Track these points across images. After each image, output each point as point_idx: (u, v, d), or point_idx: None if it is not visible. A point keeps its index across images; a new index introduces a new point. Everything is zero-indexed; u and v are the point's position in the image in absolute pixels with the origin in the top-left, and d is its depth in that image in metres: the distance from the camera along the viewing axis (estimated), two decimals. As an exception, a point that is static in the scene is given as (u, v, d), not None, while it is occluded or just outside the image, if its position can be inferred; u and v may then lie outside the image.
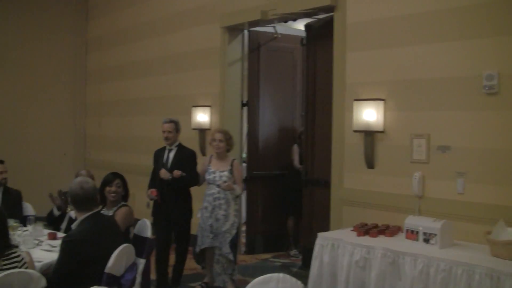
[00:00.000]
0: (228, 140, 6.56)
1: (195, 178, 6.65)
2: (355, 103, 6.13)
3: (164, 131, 6.70)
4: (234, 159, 6.63)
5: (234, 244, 6.50)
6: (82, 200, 4.28)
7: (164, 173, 6.45)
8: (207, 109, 8.43)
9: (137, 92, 10.23)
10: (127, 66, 10.55)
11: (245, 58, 8.44)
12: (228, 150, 6.60)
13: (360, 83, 6.26)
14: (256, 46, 8.46)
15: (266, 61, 8.52)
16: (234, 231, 6.48)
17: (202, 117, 8.44)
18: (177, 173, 6.38)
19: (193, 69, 8.84)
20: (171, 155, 6.68)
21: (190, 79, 8.92)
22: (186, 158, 6.66)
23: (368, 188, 6.18)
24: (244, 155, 8.87)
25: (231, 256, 6.44)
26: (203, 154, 8.48)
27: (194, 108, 8.57)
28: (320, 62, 7.25)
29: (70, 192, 4.33)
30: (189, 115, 8.64)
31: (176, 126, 6.73)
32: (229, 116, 8.26)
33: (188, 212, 6.74)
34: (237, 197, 6.64)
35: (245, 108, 8.47)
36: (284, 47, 8.68)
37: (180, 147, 6.74)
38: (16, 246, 3.91)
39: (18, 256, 3.81)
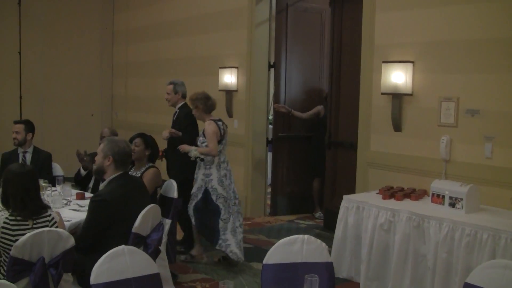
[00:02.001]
0: (194, 103, 6.19)
1: (187, 138, 6.32)
2: (384, 65, 6.06)
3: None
4: (208, 120, 6.15)
5: (197, 209, 6.04)
6: (125, 159, 4.35)
7: (163, 132, 6.39)
8: (234, 71, 8.40)
9: (164, 53, 10.23)
10: (153, 27, 10.53)
11: (272, 19, 8.35)
12: (205, 112, 6.21)
13: (389, 45, 6.17)
14: (284, 7, 8.35)
15: (293, 22, 8.43)
16: (200, 196, 6.03)
17: (229, 78, 8.42)
18: (165, 133, 6.33)
19: (220, 30, 8.79)
20: (175, 115, 6.74)
21: (217, 40, 8.88)
22: (181, 117, 6.61)
23: (394, 151, 6.15)
24: (271, 116, 8.86)
25: (192, 220, 6.09)
26: (230, 116, 8.50)
27: (220, 69, 8.55)
28: (347, 22, 7.16)
29: (117, 149, 4.34)
30: (215, 76, 8.63)
31: (175, 88, 6.73)
32: (256, 78, 8.23)
33: (185, 173, 6.34)
34: (210, 161, 6.09)
35: (272, 70, 8.42)
36: (312, 8, 8.57)
37: (182, 108, 6.69)
38: (48, 207, 3.99)
39: (49, 215, 3.89)
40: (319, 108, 8.24)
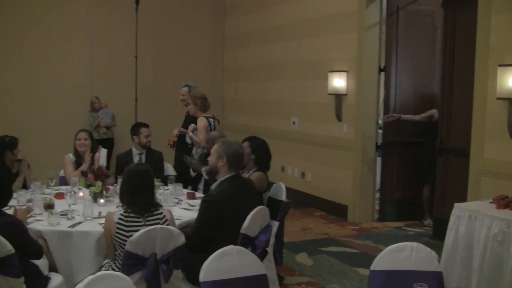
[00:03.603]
0: (194, 101, 7.22)
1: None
2: (500, 68, 5.81)
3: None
4: (201, 117, 7.17)
5: None
6: (238, 160, 4.44)
7: (174, 130, 7.51)
8: (344, 74, 8.35)
9: (273, 57, 10.34)
10: (263, 31, 10.67)
11: (383, 22, 8.24)
12: (200, 110, 7.21)
13: (506, 47, 5.91)
14: (394, 10, 8.21)
15: (404, 24, 8.27)
16: None
17: (338, 82, 8.38)
18: (175, 131, 7.45)
19: (330, 33, 8.78)
20: (187, 114, 7.65)
21: (326, 44, 8.87)
22: (189, 117, 7.46)
23: (510, 159, 5.88)
24: (380, 121, 8.74)
25: None
26: (339, 120, 8.47)
27: (330, 73, 8.52)
28: (461, 24, 6.93)
29: (230, 150, 4.43)
30: (325, 80, 8.63)
31: (190, 90, 7.72)
32: (366, 82, 8.15)
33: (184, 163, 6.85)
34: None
35: (382, 73, 8.30)
36: (424, 10, 8.37)
37: None
38: (160, 205, 4.14)
39: (161, 213, 4.04)
40: (433, 111, 8.00)
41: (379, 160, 8.53)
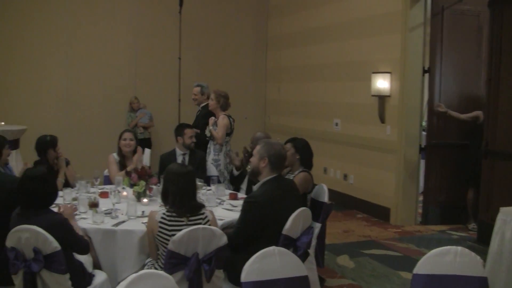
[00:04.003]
0: (217, 98, 7.29)
1: (202, 134, 7.34)
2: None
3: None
4: (222, 115, 7.24)
5: None
6: (280, 161, 4.45)
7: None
8: (387, 76, 8.28)
9: (316, 58, 10.31)
10: (306, 32, 10.65)
11: (427, 23, 8.14)
12: (221, 108, 7.30)
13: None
14: (439, 10, 8.10)
15: (449, 25, 8.14)
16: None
17: (382, 83, 8.31)
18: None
19: (373, 34, 8.71)
20: (198, 113, 7.95)
21: (369, 45, 8.81)
22: (200, 117, 7.78)
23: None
24: (424, 123, 8.63)
25: None
26: (382, 122, 8.40)
27: (373, 74, 8.46)
28: (507, 24, 6.78)
29: (272, 151, 4.43)
30: (368, 81, 8.57)
31: (202, 90, 7.96)
32: (410, 83, 8.06)
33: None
34: (219, 149, 7.15)
35: (426, 75, 8.19)
36: (470, 10, 8.22)
37: (204, 108, 7.87)
38: (203, 206, 4.16)
39: (203, 213, 4.07)
40: (479, 112, 7.86)
41: (422, 162, 8.43)
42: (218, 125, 7.16)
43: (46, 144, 5.81)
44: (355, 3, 9.18)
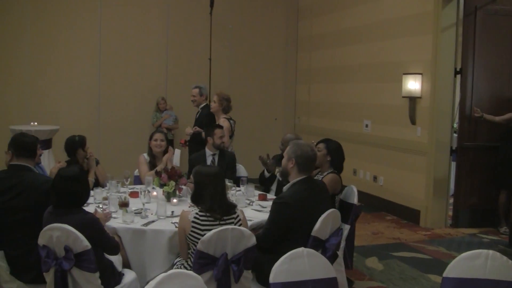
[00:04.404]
0: (220, 101, 7.50)
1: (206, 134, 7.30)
2: None
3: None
4: (223, 118, 7.46)
5: None
6: (308, 162, 4.44)
7: (187, 129, 7.89)
8: (418, 77, 8.21)
9: (347, 59, 10.27)
10: (336, 33, 10.61)
11: (459, 23, 8.04)
12: (223, 111, 7.54)
13: None
14: (472, 10, 7.99)
15: (482, 25, 8.02)
16: None
17: (413, 85, 8.24)
18: (188, 129, 7.81)
19: (404, 35, 8.64)
20: (198, 114, 8.00)
21: (400, 46, 8.74)
22: (203, 117, 7.86)
23: None
24: (455, 125, 8.54)
25: None
26: (413, 123, 8.34)
27: (404, 75, 8.39)
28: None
29: (300, 152, 4.42)
30: (398, 83, 8.51)
31: (200, 91, 7.99)
32: (441, 84, 7.98)
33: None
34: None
35: (458, 76, 8.09)
36: (503, 10, 8.10)
37: (204, 108, 7.99)
38: (235, 206, 4.18)
39: (235, 213, 4.09)
40: None
41: (453, 164, 8.33)
42: None
43: (75, 144, 5.88)
44: (386, 4, 9.12)
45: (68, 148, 5.90)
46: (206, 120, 7.70)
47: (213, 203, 3.98)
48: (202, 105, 8.03)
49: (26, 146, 4.45)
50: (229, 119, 7.47)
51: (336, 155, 5.58)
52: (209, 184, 4.02)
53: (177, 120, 10.78)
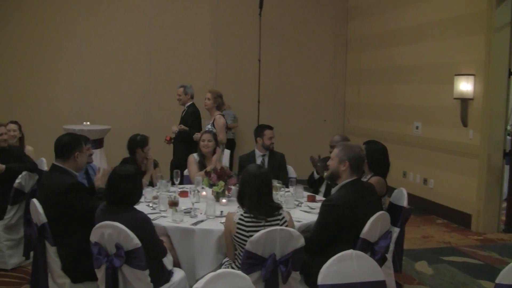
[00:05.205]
0: (215, 99, 7.67)
1: (192, 131, 7.78)
2: None
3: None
4: (218, 115, 7.64)
5: None
6: (360, 164, 4.41)
7: (173, 127, 8.03)
8: (471, 78, 8.05)
9: (397, 60, 10.15)
10: (387, 34, 10.51)
11: (514, 23, 7.87)
12: (217, 107, 7.70)
13: None
14: (527, 9, 7.82)
15: (539, 25, 7.84)
16: None
17: (465, 86, 8.09)
18: (175, 128, 7.98)
19: (456, 35, 8.49)
20: (184, 112, 8.16)
21: (452, 46, 8.59)
22: (189, 115, 8.02)
23: None
24: (509, 127, 8.35)
25: None
26: (464, 125, 8.18)
27: (456, 76, 8.25)
28: None
29: (352, 154, 4.38)
30: (450, 84, 8.37)
31: (185, 90, 8.13)
32: (494, 86, 7.81)
33: (184, 160, 6.72)
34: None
35: (513, 77, 7.93)
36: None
37: (189, 107, 8.13)
38: (281, 207, 4.18)
39: (280, 214, 4.08)
40: None
41: (506, 168, 8.15)
42: (217, 127, 7.54)
43: (134, 144, 6.00)
44: (437, 4, 8.97)
45: (128, 146, 6.04)
46: (192, 118, 7.97)
47: (253, 202, 3.99)
48: (188, 104, 8.19)
49: (57, 145, 4.56)
50: (223, 115, 7.69)
51: (374, 157, 5.32)
52: (250, 184, 4.03)
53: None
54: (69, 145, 4.53)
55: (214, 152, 6.33)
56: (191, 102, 8.17)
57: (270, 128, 6.66)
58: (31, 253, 4.70)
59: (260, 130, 6.62)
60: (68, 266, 4.19)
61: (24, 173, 5.72)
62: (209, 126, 7.56)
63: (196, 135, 7.53)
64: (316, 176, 6.37)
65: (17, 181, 5.61)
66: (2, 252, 5.72)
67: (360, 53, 11.61)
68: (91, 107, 10.57)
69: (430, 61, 9.14)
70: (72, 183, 4.34)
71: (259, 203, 3.99)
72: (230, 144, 10.20)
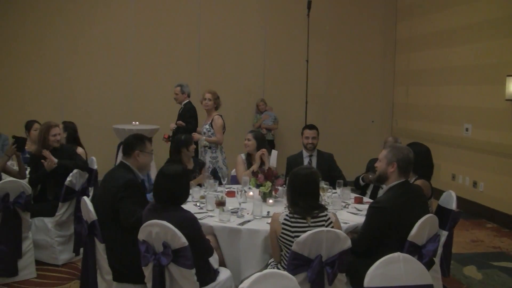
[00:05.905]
0: (215, 99, 7.63)
1: (189, 128, 7.96)
2: None
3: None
4: (216, 115, 7.61)
5: None
6: (409, 165, 4.37)
7: (171, 124, 8.30)
8: (523, 79, 7.89)
9: (446, 60, 10.00)
10: (437, 34, 10.36)
11: None
12: (215, 108, 7.67)
13: None
14: None
15: None
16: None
17: (517, 87, 7.94)
18: (172, 125, 8.26)
19: (508, 35, 8.31)
20: (181, 110, 8.40)
21: (503, 46, 8.41)
22: (186, 112, 8.28)
23: None
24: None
25: None
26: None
27: (508, 77, 8.08)
28: None
29: (401, 155, 4.34)
30: (501, 85, 8.20)
31: (182, 89, 8.40)
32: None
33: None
34: (215, 146, 7.54)
35: None
36: None
37: (186, 104, 8.38)
38: (325, 208, 4.17)
39: (325, 215, 4.07)
40: None
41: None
42: (215, 127, 7.55)
43: (179, 143, 6.09)
44: (487, 3, 8.80)
45: (174, 146, 6.14)
46: (189, 115, 8.21)
47: (302, 202, 3.98)
48: (185, 102, 8.44)
49: (123, 143, 4.76)
50: (221, 116, 7.70)
51: (416, 160, 5.23)
52: (299, 183, 4.04)
53: (276, 120, 10.89)
54: (131, 143, 4.68)
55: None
56: (188, 100, 8.44)
57: (310, 127, 6.65)
58: (81, 250, 4.82)
59: (302, 130, 6.67)
60: (113, 264, 4.28)
61: (75, 171, 5.86)
62: (207, 127, 7.59)
63: (196, 135, 7.60)
64: (362, 183, 6.36)
65: (68, 179, 5.76)
66: (53, 248, 5.88)
67: (409, 54, 11.48)
68: (139, 107, 10.74)
69: (480, 62, 8.97)
70: (130, 179, 4.44)
71: (303, 203, 3.99)
72: (270, 145, 10.21)
